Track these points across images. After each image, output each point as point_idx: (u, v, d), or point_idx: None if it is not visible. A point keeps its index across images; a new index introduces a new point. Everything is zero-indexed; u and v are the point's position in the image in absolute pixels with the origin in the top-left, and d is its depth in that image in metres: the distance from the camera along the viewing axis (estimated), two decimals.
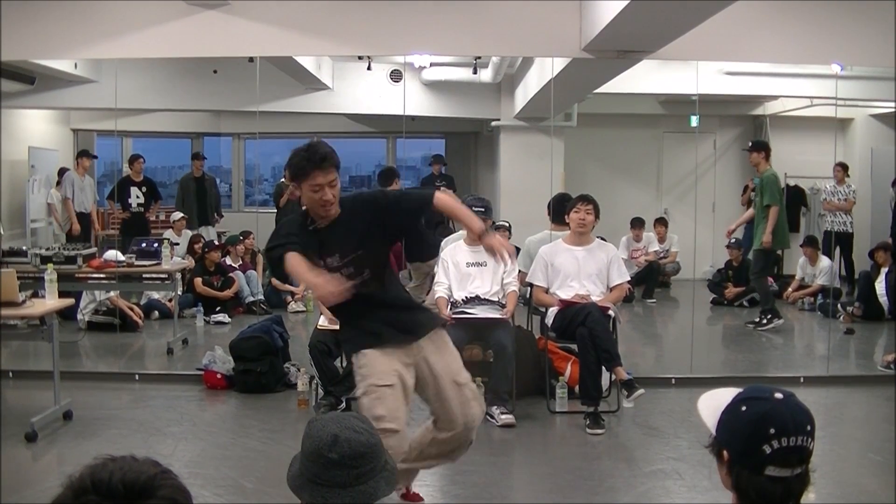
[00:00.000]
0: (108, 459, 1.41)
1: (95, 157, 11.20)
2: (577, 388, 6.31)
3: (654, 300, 11.41)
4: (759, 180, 9.19)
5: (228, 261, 10.48)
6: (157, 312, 9.76)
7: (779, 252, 10.21)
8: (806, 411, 1.89)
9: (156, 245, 8.73)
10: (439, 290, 6.42)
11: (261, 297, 10.42)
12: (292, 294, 10.61)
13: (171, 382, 7.29)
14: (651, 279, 11.47)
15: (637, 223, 11.80)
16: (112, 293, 8.89)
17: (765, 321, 9.33)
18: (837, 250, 11.11)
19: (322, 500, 2.23)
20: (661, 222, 12.05)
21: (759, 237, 9.14)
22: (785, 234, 9.34)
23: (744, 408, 1.89)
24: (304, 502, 2.27)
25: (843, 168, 11.04)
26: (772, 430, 1.82)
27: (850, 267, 11.23)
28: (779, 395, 1.90)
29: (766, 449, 1.82)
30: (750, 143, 9.74)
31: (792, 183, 11.79)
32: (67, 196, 10.47)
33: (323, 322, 6.30)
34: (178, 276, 8.78)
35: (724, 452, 1.91)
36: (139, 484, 1.35)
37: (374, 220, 3.92)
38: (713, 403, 1.98)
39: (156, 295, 9.81)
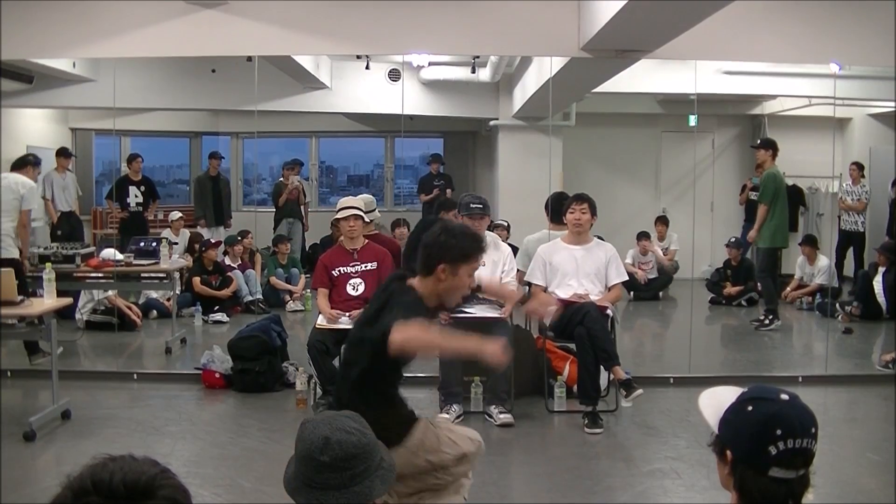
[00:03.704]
0: (107, 459, 1.40)
1: (74, 155, 11.15)
2: (575, 388, 6.31)
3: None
4: (762, 178, 9.20)
5: (227, 260, 10.48)
6: (155, 312, 9.76)
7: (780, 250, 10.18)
8: (811, 413, 1.89)
9: (154, 244, 8.73)
10: None
11: (259, 296, 10.43)
12: (290, 293, 10.62)
13: (170, 382, 7.30)
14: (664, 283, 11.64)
15: (643, 236, 11.74)
16: (110, 292, 8.89)
17: (767, 322, 9.32)
18: (851, 249, 11.17)
19: (317, 503, 2.21)
20: (662, 221, 12.07)
21: (760, 235, 9.15)
22: (784, 233, 9.33)
23: (750, 408, 1.89)
24: None
25: (858, 168, 11.08)
26: (778, 432, 1.82)
27: (862, 266, 11.23)
28: (785, 397, 1.89)
29: (773, 450, 1.82)
30: (758, 141, 9.72)
31: (790, 182, 11.78)
32: (46, 196, 10.44)
33: (321, 321, 6.29)
34: (177, 275, 8.78)
35: (728, 452, 1.90)
36: (140, 484, 1.35)
37: None
38: (715, 402, 1.98)
39: (154, 294, 9.81)
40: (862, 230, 11.15)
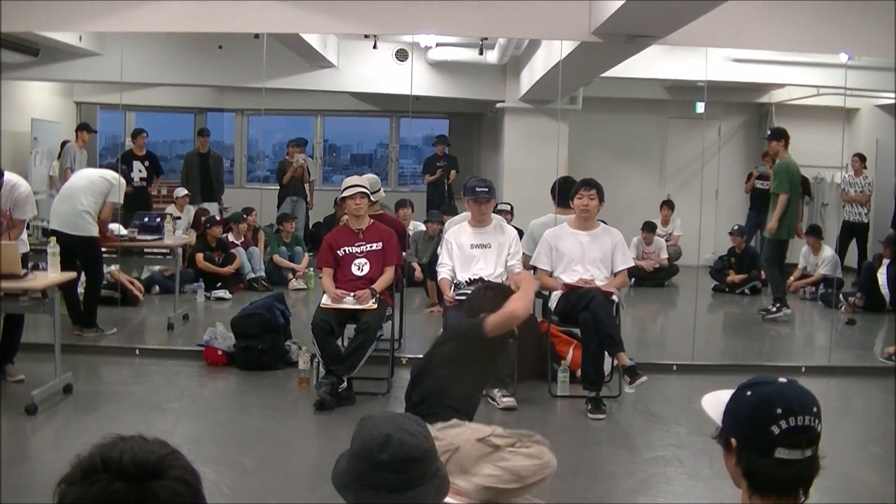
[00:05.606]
0: (117, 438, 1.40)
1: (95, 131, 11.17)
2: (578, 373, 6.30)
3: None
4: (774, 167, 9.12)
5: (231, 237, 10.46)
6: (157, 287, 9.75)
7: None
8: (810, 394, 1.91)
9: (158, 220, 8.71)
10: (442, 272, 6.40)
11: (262, 273, 10.42)
12: (293, 271, 10.61)
13: (172, 358, 7.27)
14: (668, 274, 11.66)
15: (648, 227, 11.71)
16: (113, 267, 8.88)
17: (773, 309, 9.25)
18: (854, 240, 11.12)
19: (366, 503, 2.14)
20: (668, 205, 12.05)
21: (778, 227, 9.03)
22: (793, 224, 9.25)
23: (748, 392, 1.90)
24: (348, 502, 2.19)
25: (861, 159, 10.99)
26: (778, 411, 1.83)
27: (865, 257, 11.20)
28: (783, 380, 1.92)
29: (775, 430, 1.83)
30: (769, 132, 9.66)
31: None
32: (68, 166, 10.42)
33: (326, 300, 6.26)
34: (180, 251, 8.77)
35: (732, 440, 1.90)
36: (150, 464, 1.34)
37: None
38: (717, 400, 1.99)
39: (157, 268, 9.80)
40: (866, 221, 11.09)
